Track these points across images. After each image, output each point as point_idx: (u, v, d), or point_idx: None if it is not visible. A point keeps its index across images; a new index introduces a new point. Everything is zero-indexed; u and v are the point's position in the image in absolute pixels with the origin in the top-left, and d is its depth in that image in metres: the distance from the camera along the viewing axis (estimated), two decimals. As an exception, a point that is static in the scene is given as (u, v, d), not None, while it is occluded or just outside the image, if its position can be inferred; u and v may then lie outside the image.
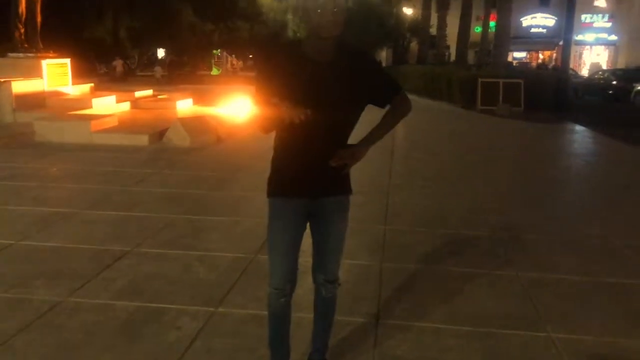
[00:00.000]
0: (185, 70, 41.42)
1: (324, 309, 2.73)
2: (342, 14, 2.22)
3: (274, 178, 2.46)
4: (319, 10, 2.17)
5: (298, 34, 36.49)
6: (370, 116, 2.56)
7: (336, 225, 2.53)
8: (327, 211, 2.48)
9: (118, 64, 33.60)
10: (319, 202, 2.45)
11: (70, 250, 4.48)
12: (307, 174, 2.37)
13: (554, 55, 47.54)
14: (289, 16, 37.01)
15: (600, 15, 47.57)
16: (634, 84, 22.43)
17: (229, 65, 51.93)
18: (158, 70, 34.61)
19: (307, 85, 2.24)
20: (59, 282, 3.84)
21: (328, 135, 2.31)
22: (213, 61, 49.21)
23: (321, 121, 2.21)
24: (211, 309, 3.50)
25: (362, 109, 2.41)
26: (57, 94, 13.84)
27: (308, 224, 2.54)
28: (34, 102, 12.59)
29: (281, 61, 2.30)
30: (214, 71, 47.88)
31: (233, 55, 50.07)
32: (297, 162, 2.36)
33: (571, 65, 28.59)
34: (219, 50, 46.79)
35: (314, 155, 2.33)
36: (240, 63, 51.56)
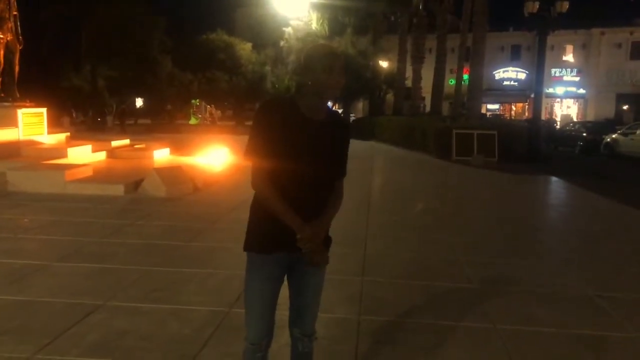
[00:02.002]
0: (162, 119, 41.57)
1: None
2: (344, 76, 2.31)
3: (254, 231, 2.44)
4: (326, 73, 2.25)
5: (277, 86, 37.15)
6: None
7: (313, 279, 2.52)
8: (304, 274, 2.49)
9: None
10: (297, 256, 2.42)
11: (40, 304, 4.36)
12: (287, 228, 2.35)
13: (527, 107, 48.85)
14: (267, 68, 37.70)
15: (568, 70, 49.37)
16: (603, 136, 23.10)
17: (207, 114, 52.29)
18: (109, 120, 35.61)
19: (302, 142, 2.29)
20: (27, 338, 3.71)
21: (313, 190, 2.35)
22: (192, 110, 49.54)
23: (311, 177, 2.29)
24: (184, 365, 3.41)
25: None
26: (32, 143, 13.73)
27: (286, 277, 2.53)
28: (8, 151, 12.45)
29: (277, 115, 2.32)
30: (192, 120, 48.12)
31: (212, 105, 50.47)
32: (276, 221, 2.36)
33: (543, 117, 29.41)
34: (197, 100, 47.18)
35: (298, 210, 2.33)
36: (219, 112, 51.90)
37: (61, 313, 4.19)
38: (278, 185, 2.32)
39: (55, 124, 18.47)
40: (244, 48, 40.11)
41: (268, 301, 2.47)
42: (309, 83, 2.30)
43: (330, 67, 2.25)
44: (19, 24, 14.50)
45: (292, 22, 34.90)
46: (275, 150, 2.27)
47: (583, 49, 49.05)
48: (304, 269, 2.44)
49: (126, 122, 35.02)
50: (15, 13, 14.36)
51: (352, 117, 41.89)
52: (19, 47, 14.49)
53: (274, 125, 2.29)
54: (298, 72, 2.41)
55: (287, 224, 2.32)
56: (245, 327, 2.51)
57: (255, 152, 2.30)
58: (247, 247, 2.46)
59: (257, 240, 2.42)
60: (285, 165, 2.29)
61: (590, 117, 42.24)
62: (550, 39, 21.75)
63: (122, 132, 27.84)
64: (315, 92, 2.29)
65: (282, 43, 35.54)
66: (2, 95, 14.18)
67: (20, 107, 13.94)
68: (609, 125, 26.83)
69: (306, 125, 2.31)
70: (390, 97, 39.07)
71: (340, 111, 43.34)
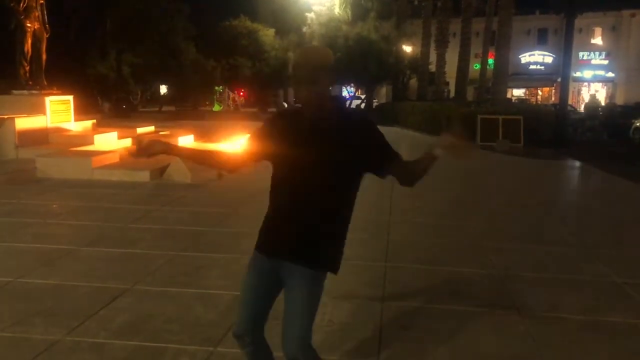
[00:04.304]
0: (186, 106, 41.84)
1: None
2: (319, 73, 2.23)
3: (261, 229, 2.48)
4: (297, 68, 2.26)
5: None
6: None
7: (295, 294, 2.31)
8: (289, 277, 2.34)
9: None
10: (283, 266, 2.33)
11: (69, 288, 4.46)
12: (277, 234, 2.35)
13: (553, 91, 48.02)
14: (290, 54, 37.60)
15: (597, 53, 48.31)
16: (633, 120, 22.60)
17: (230, 101, 52.47)
18: (106, 106, 36.26)
19: (296, 146, 2.27)
20: (57, 321, 3.81)
21: (309, 199, 2.26)
22: (215, 97, 49.73)
23: (302, 183, 2.25)
24: (210, 348, 3.46)
25: (355, 178, 2.35)
26: (59, 130, 13.97)
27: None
28: (37, 138, 12.70)
29: (280, 121, 2.40)
30: (216, 107, 48.33)
31: (235, 92, 50.60)
32: (275, 220, 2.39)
33: (570, 102, 28.90)
34: (221, 87, 47.33)
35: (293, 216, 2.30)
36: (242, 99, 52.05)
37: (89, 296, 4.28)
38: (273, 190, 2.39)
39: (83, 112, 18.73)
40: (267, 34, 40.01)
41: (251, 295, 2.44)
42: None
43: (294, 65, 2.27)
44: (45, 12, 14.69)
45: (315, 8, 34.72)
46: (272, 156, 2.36)
47: (612, 32, 47.89)
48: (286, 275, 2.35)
49: (122, 107, 35.75)
50: (42, 1, 14.56)
51: (375, 103, 41.65)
52: (45, 36, 14.70)
53: (272, 128, 2.38)
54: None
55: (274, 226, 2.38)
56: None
57: (245, 148, 2.47)
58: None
59: (259, 238, 2.46)
60: (280, 172, 2.35)
61: (619, 102, 41.36)
62: (578, 22, 21.32)
63: (117, 116, 28.27)
64: (296, 92, 2.30)
65: (304, 29, 35.41)
66: (30, 83, 14.43)
67: (48, 94, 14.19)
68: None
69: (297, 125, 2.30)
70: (413, 82, 38.74)
71: (362, 97, 43.18)
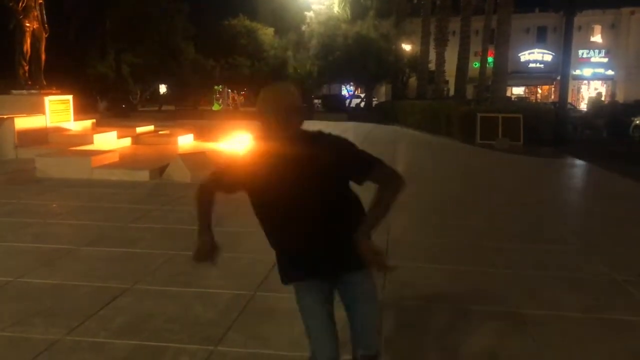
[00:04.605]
0: (186, 105, 41.82)
1: None
2: (292, 117, 2.19)
3: (281, 264, 2.49)
4: (267, 114, 2.19)
5: (299, 70, 37.07)
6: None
7: (366, 292, 2.44)
8: (349, 287, 2.43)
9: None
10: (338, 278, 2.42)
11: (69, 288, 4.46)
12: (313, 260, 2.36)
13: (553, 89, 48.02)
14: (290, 53, 37.61)
15: (596, 51, 48.30)
16: (633, 118, 22.58)
17: (230, 100, 52.45)
18: (102, 105, 36.48)
19: (269, 178, 2.26)
20: (57, 320, 3.81)
21: (310, 221, 2.29)
22: (214, 97, 49.72)
23: (293, 209, 2.26)
24: (210, 347, 3.46)
25: (342, 183, 2.34)
26: (59, 130, 13.97)
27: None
28: (36, 138, 12.70)
29: (250, 159, 2.34)
30: (215, 106, 48.32)
31: (234, 91, 50.58)
32: (292, 249, 2.39)
33: (569, 100, 28.89)
34: (220, 86, 47.32)
35: (308, 239, 2.32)
36: (242, 98, 52.05)
37: (89, 296, 4.28)
38: (276, 231, 2.40)
39: (82, 111, 18.74)
40: (266, 33, 40.00)
41: (326, 320, 2.40)
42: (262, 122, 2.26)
43: (272, 108, 2.19)
44: (44, 12, 14.68)
45: (314, 6, 34.73)
46: (250, 189, 2.36)
47: (612, 29, 47.86)
48: (349, 280, 2.41)
49: (118, 106, 35.88)
50: (41, 1, 14.56)
51: (375, 102, 41.63)
52: (45, 35, 14.69)
53: (245, 166, 2.35)
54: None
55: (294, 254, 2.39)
56: (311, 351, 2.43)
57: (216, 172, 2.48)
58: (285, 280, 2.49)
59: (290, 271, 2.45)
60: (266, 210, 2.36)
61: (619, 99, 41.34)
62: (578, 19, 21.31)
63: (114, 116, 28.35)
64: (267, 134, 2.24)
65: (304, 27, 35.43)
66: (30, 83, 14.43)
67: (47, 94, 14.19)
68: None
69: (274, 165, 2.25)
70: (413, 80, 38.75)
71: (362, 96, 43.15)
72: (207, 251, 2.49)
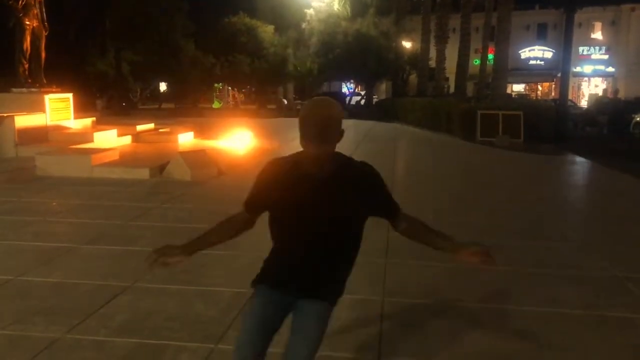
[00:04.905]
0: (186, 103, 41.84)
1: None
2: (331, 131, 2.17)
3: (267, 264, 2.51)
4: (307, 124, 2.16)
5: (299, 68, 37.06)
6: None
7: (310, 323, 2.31)
8: (304, 310, 2.34)
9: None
10: (298, 301, 2.36)
11: (69, 286, 4.46)
12: (293, 275, 2.36)
13: (553, 87, 47.98)
14: (290, 50, 37.59)
15: (597, 48, 48.26)
16: (633, 115, 22.57)
17: (230, 98, 52.45)
18: (99, 103, 36.56)
19: (296, 199, 2.25)
20: (58, 319, 3.81)
21: (320, 246, 2.31)
22: (215, 94, 49.72)
23: (308, 234, 2.27)
24: (211, 345, 3.47)
25: (362, 224, 2.41)
26: (59, 128, 13.96)
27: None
28: (36, 136, 12.70)
29: (277, 174, 2.31)
30: (216, 104, 48.33)
31: (234, 89, 50.57)
32: (288, 262, 2.38)
33: (570, 97, 28.85)
34: (220, 83, 47.31)
35: (308, 261, 2.34)
36: (242, 96, 52.02)
37: (90, 294, 4.28)
38: (281, 236, 2.41)
39: (83, 109, 18.75)
40: (266, 31, 39.98)
41: (257, 327, 2.31)
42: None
43: (311, 120, 2.16)
44: (44, 10, 14.66)
45: (314, 4, 34.69)
46: (272, 206, 2.34)
47: (612, 26, 47.83)
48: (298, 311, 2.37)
49: (116, 105, 36.01)
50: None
51: (375, 99, 41.61)
52: (44, 34, 14.67)
53: (272, 182, 2.31)
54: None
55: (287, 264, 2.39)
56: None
57: (249, 200, 2.42)
58: (257, 279, 2.49)
59: (265, 275, 2.46)
60: (281, 221, 2.36)
61: (620, 95, 41.27)
62: (578, 16, 21.27)
63: (112, 115, 28.40)
64: (304, 145, 2.20)
65: (304, 25, 35.41)
66: (30, 81, 14.41)
67: (47, 92, 14.17)
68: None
69: (303, 183, 2.24)
70: (413, 78, 38.73)
71: (362, 93, 43.15)
72: (167, 254, 2.44)
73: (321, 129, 2.14)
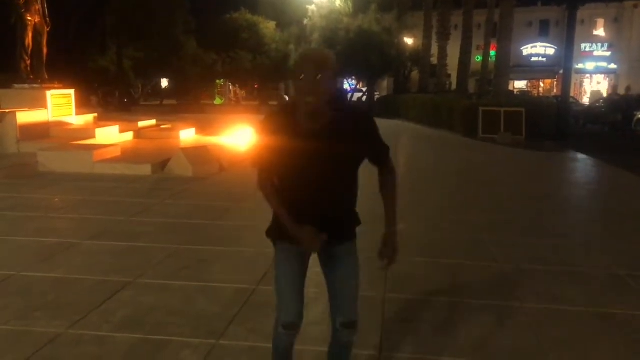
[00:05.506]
0: (187, 99, 41.82)
1: (340, 355, 2.72)
2: (324, 83, 2.22)
3: (277, 227, 2.51)
4: (302, 76, 2.22)
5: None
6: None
7: (348, 265, 2.55)
8: (335, 255, 2.52)
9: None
10: (327, 250, 2.48)
11: (72, 282, 4.46)
12: (312, 223, 2.39)
13: (555, 83, 47.87)
14: (291, 47, 37.53)
15: (599, 45, 48.12)
16: (635, 112, 22.51)
17: (232, 94, 52.41)
18: (93, 99, 36.29)
19: (298, 150, 2.30)
20: (60, 314, 3.82)
21: (323, 192, 2.37)
22: (216, 91, 49.70)
23: (314, 181, 2.33)
24: (213, 341, 3.47)
25: (359, 163, 2.48)
26: (61, 124, 13.95)
27: (321, 270, 2.60)
28: (38, 132, 12.70)
29: (277, 127, 2.35)
30: (217, 101, 48.31)
31: (236, 85, 50.53)
32: (304, 210, 2.40)
33: (572, 94, 28.76)
34: (222, 80, 47.27)
35: (317, 212, 2.39)
36: (243, 92, 51.98)
37: (92, 290, 4.29)
38: (286, 190, 2.42)
39: (84, 105, 18.75)
40: (268, 27, 39.92)
41: (298, 280, 2.51)
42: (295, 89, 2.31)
43: (299, 72, 2.22)
44: (45, 6, 14.65)
45: (316, 0, 34.59)
46: (277, 157, 2.36)
47: (615, 23, 47.67)
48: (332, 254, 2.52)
49: (109, 101, 35.97)
50: (42, -5, 14.50)
51: (377, 95, 41.54)
52: (46, 29, 14.65)
53: (273, 136, 2.34)
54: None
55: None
56: (278, 311, 2.52)
57: (258, 159, 2.43)
58: (276, 238, 2.54)
59: (284, 233, 2.45)
60: (287, 172, 2.39)
61: (622, 93, 41.17)
62: (580, 13, 21.22)
63: (106, 110, 28.38)
64: (299, 96, 2.26)
65: (305, 21, 35.28)
66: (32, 77, 14.40)
67: (49, 88, 14.15)
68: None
69: (301, 134, 2.30)
70: (415, 74, 38.62)
71: (364, 90, 43.09)
72: (315, 236, 2.40)
73: (313, 80, 2.20)
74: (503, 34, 21.61)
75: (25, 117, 12.70)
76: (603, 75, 49.42)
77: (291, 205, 2.40)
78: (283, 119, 2.36)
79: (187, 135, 14.79)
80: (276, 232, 2.52)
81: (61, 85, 14.87)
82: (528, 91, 47.17)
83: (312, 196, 2.37)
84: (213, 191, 8.42)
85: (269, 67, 38.81)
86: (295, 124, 2.32)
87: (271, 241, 2.59)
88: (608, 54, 48.16)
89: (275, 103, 42.58)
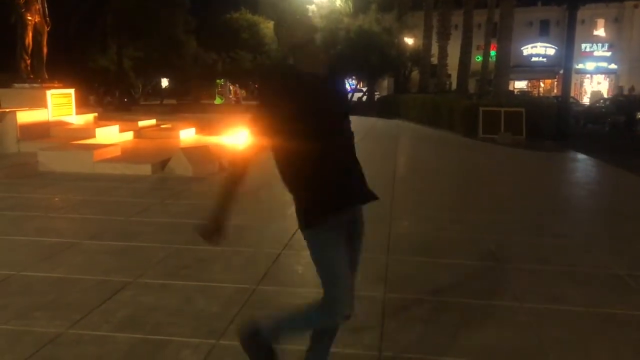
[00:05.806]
0: (187, 99, 41.84)
1: (324, 336, 2.73)
2: (311, 19, 2.36)
3: (318, 201, 2.36)
4: (297, 16, 2.32)
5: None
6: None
7: (361, 240, 2.59)
8: (358, 222, 2.56)
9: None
10: (355, 212, 2.52)
11: (71, 281, 4.46)
12: (348, 184, 2.42)
13: (555, 83, 47.87)
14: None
15: (599, 45, 48.13)
16: (636, 112, 22.49)
17: (232, 94, 52.42)
18: (91, 98, 36.72)
19: (315, 99, 2.31)
20: (60, 314, 3.81)
21: (348, 142, 2.43)
22: (216, 90, 49.71)
23: (340, 136, 2.37)
24: (213, 341, 3.47)
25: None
26: (61, 123, 13.96)
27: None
28: (38, 132, 12.70)
29: (281, 86, 2.32)
30: (217, 100, 48.32)
31: (236, 85, 50.52)
32: (337, 175, 2.37)
33: (572, 94, 28.75)
34: (222, 79, 47.29)
35: (347, 164, 2.43)
36: (244, 92, 51.97)
37: (92, 290, 4.29)
38: (310, 154, 2.29)
39: (85, 105, 18.75)
40: (268, 27, 39.89)
41: (346, 267, 2.45)
42: (291, 43, 2.35)
43: (296, 9, 2.35)
44: (45, 5, 14.65)
45: (316, 0, 34.57)
46: (291, 118, 2.25)
47: (615, 23, 47.68)
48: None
49: (108, 100, 35.98)
50: (42, -6, 14.50)
51: (377, 95, 41.55)
52: (46, 29, 14.66)
53: (278, 97, 2.28)
54: (280, 44, 2.27)
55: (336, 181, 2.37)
56: (332, 302, 2.42)
57: (261, 131, 2.36)
58: (320, 215, 2.37)
59: (326, 204, 2.37)
60: (308, 128, 2.27)
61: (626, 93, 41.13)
62: (581, 13, 21.20)
63: (105, 110, 28.40)
64: (292, 41, 2.33)
65: (305, 21, 35.23)
66: (32, 77, 14.41)
67: (49, 88, 14.16)
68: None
69: (309, 83, 2.31)
70: (415, 74, 38.63)
71: (364, 89, 43.09)
72: (214, 230, 2.44)
73: (314, 33, 2.33)
74: (503, 33, 21.61)
75: (26, 116, 12.70)
76: (603, 76, 49.44)
77: (323, 166, 2.31)
78: (286, 77, 2.35)
79: (187, 135, 14.79)
80: (322, 212, 2.35)
81: (61, 85, 14.88)
82: (528, 91, 47.18)
83: (340, 145, 2.38)
84: (213, 191, 8.35)
85: (267, 67, 38.80)
86: (299, 76, 2.32)
87: (310, 228, 2.40)
88: (608, 54, 48.17)
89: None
